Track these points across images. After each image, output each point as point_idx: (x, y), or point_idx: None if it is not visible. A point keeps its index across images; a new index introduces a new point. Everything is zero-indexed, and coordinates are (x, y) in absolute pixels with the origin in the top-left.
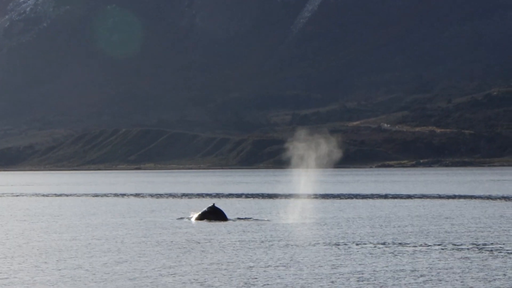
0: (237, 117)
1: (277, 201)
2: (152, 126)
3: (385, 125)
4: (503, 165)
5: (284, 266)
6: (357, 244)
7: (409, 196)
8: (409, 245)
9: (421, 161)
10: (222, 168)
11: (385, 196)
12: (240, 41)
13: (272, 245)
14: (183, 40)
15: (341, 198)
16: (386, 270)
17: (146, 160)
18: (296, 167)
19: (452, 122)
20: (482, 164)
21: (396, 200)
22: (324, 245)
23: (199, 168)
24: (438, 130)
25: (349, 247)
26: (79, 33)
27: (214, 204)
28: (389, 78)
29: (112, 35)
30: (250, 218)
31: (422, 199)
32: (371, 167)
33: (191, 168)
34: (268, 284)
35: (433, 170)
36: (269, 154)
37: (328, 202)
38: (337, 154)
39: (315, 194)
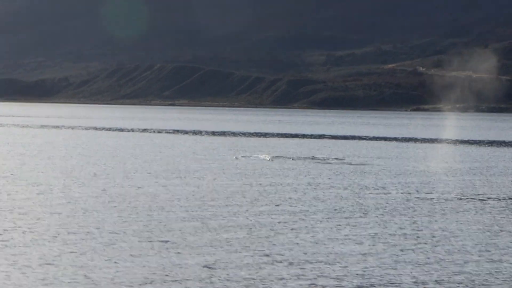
0: (271, 56)
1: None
2: (187, 62)
3: (421, 68)
4: None
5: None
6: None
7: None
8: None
9: (457, 106)
10: (256, 107)
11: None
12: None
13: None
14: None
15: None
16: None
17: (180, 96)
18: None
19: (489, 68)
20: None
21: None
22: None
23: (233, 106)
24: (474, 75)
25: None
26: None
27: None
28: (425, 22)
29: None
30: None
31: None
32: (406, 110)
33: (224, 106)
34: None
35: (472, 115)
36: (304, 94)
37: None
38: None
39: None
